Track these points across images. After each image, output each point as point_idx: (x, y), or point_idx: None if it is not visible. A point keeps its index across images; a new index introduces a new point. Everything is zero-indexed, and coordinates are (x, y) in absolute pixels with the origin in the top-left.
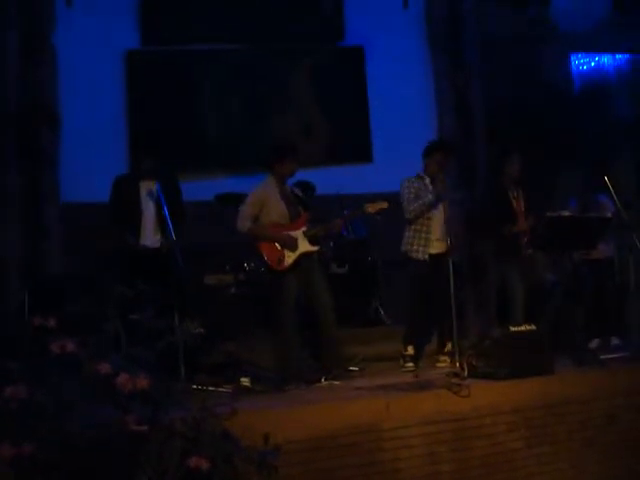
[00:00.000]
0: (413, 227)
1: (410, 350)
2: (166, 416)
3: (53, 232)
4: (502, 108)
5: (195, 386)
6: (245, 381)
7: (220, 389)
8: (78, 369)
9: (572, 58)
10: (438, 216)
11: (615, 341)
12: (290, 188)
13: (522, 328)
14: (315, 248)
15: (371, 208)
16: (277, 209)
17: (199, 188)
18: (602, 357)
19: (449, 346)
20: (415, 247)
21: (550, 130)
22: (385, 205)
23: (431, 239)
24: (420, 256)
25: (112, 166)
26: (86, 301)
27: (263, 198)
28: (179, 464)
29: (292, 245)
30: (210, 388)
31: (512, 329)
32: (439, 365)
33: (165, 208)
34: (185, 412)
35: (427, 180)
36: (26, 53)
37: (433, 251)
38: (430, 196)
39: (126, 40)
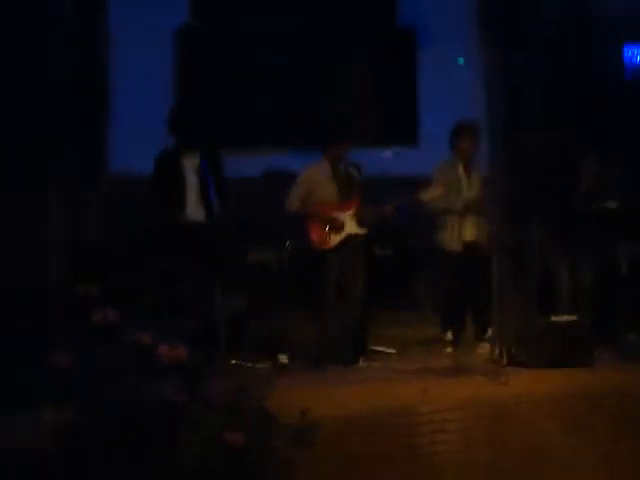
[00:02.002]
0: (444, 216)
1: (449, 335)
2: (205, 389)
3: (99, 203)
4: (556, 97)
5: (234, 361)
6: (283, 358)
7: (258, 365)
8: (119, 338)
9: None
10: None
11: None
12: (345, 169)
13: (564, 318)
14: (362, 231)
15: (425, 196)
16: (327, 190)
17: (247, 164)
18: None
19: (490, 332)
20: (447, 237)
21: (600, 122)
22: (441, 191)
23: (465, 227)
24: (452, 247)
25: (159, 140)
26: (129, 272)
27: (313, 178)
28: (216, 437)
29: (339, 226)
30: (249, 364)
31: (553, 319)
32: (479, 351)
33: (210, 182)
34: (223, 386)
35: (460, 168)
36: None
37: (467, 239)
38: (459, 205)
39: (176, 17)
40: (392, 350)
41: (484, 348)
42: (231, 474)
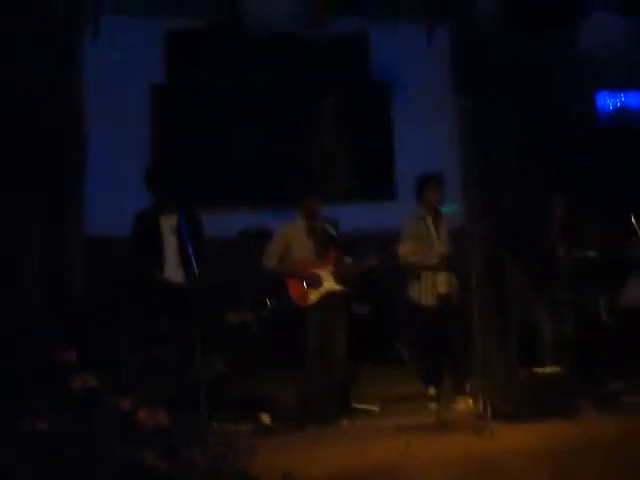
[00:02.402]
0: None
1: (431, 390)
2: (186, 452)
3: (76, 265)
4: (525, 143)
5: (215, 423)
6: (266, 418)
7: (240, 426)
8: (99, 404)
9: (598, 96)
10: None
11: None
12: (321, 225)
13: (547, 370)
14: (341, 287)
15: (403, 250)
16: (303, 246)
17: (223, 223)
18: (625, 399)
19: (469, 385)
20: (421, 291)
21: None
22: (419, 246)
23: (438, 281)
24: (427, 301)
25: (135, 200)
26: (108, 334)
27: (289, 235)
28: None
29: (317, 283)
30: (230, 426)
31: (536, 370)
32: (460, 405)
33: (188, 242)
34: (205, 448)
35: (428, 221)
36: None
37: (441, 292)
38: (433, 259)
39: (152, 74)
40: (375, 407)
41: (465, 402)
42: None
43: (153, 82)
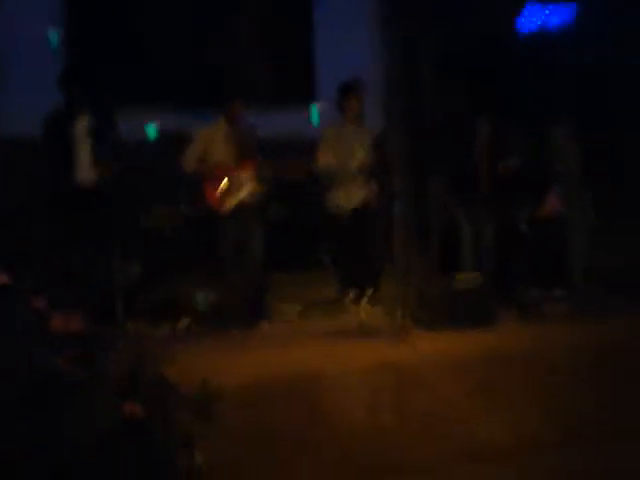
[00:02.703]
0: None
1: (350, 295)
2: (101, 360)
3: None
4: (449, 57)
5: (133, 328)
6: (183, 322)
7: (158, 331)
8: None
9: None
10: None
11: (559, 292)
12: (246, 130)
13: (467, 276)
14: (258, 191)
15: (318, 163)
16: (224, 150)
17: (141, 125)
18: (544, 308)
19: (369, 292)
20: (339, 199)
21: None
22: (331, 158)
23: (356, 188)
24: (345, 208)
25: (48, 98)
26: (21, 239)
27: (209, 138)
28: (114, 410)
29: (235, 188)
30: (148, 330)
31: (457, 277)
32: (358, 311)
33: (102, 144)
34: (121, 356)
35: (349, 128)
36: None
37: (359, 199)
38: (352, 167)
39: None
40: (294, 310)
41: (366, 309)
42: (130, 446)
43: None
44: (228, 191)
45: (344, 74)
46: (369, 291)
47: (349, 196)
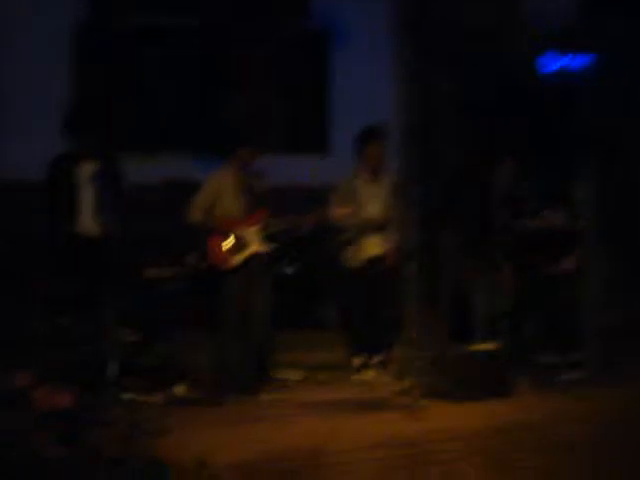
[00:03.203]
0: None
1: (357, 361)
2: (90, 435)
3: None
4: (468, 103)
5: (125, 394)
6: (180, 389)
7: (153, 398)
8: None
9: (541, 58)
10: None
11: (574, 356)
12: (250, 180)
13: (481, 346)
14: (266, 248)
15: (331, 215)
16: (232, 202)
17: (146, 171)
18: (561, 377)
19: (377, 358)
20: (348, 254)
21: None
22: (346, 211)
23: (367, 243)
24: (354, 264)
25: (51, 143)
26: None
27: (217, 188)
28: None
29: (242, 243)
30: (141, 397)
31: (470, 346)
32: (365, 378)
33: (105, 192)
34: (112, 429)
35: (364, 178)
36: None
37: (369, 255)
38: (363, 222)
39: (73, 12)
40: (297, 377)
41: (370, 375)
42: None
43: (76, 19)
44: (234, 248)
45: (359, 121)
46: (377, 357)
47: (362, 252)
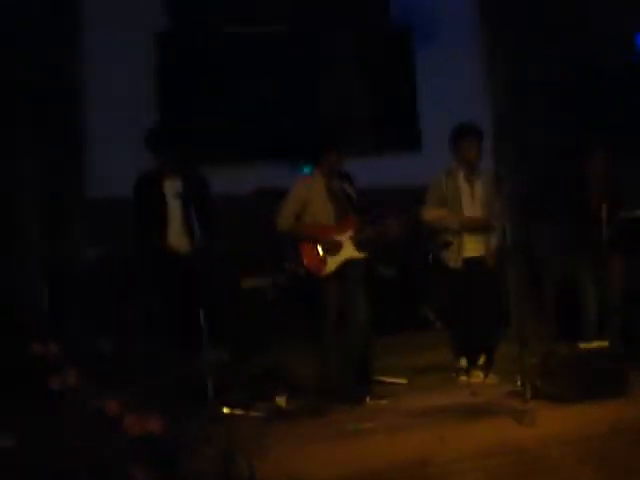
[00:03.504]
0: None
1: (462, 362)
2: (184, 462)
3: (75, 227)
4: (559, 91)
5: (224, 409)
6: (280, 401)
7: (252, 412)
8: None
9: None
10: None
11: None
12: (340, 184)
13: (592, 344)
14: (361, 255)
15: (425, 216)
16: (322, 208)
17: (236, 181)
18: None
19: (483, 359)
20: (449, 255)
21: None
22: (441, 212)
23: (466, 243)
24: (452, 264)
25: (135, 158)
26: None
27: (307, 194)
28: None
29: (335, 250)
30: (240, 412)
31: (581, 345)
32: (471, 380)
33: (191, 208)
34: (206, 454)
35: (461, 176)
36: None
37: (469, 255)
38: (455, 224)
39: (156, 22)
40: (402, 380)
41: (477, 377)
42: None
43: (157, 30)
44: (326, 255)
45: (449, 119)
46: (483, 358)
47: (462, 252)
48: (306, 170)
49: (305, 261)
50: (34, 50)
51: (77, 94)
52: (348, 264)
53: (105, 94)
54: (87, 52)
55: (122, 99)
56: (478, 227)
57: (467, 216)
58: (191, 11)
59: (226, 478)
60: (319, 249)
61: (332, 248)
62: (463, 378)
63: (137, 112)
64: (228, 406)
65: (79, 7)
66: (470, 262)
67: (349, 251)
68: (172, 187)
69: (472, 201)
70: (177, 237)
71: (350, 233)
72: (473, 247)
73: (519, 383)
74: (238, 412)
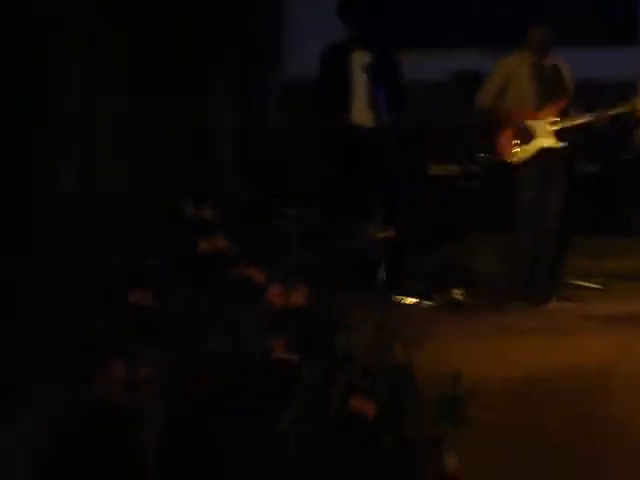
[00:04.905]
0: None
1: None
2: (326, 342)
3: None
4: None
5: (394, 296)
6: (457, 293)
7: (425, 302)
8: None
9: None
10: None
11: None
12: (552, 64)
13: None
14: (559, 144)
15: None
16: (524, 89)
17: (432, 65)
18: None
19: None
20: None
21: None
22: None
23: None
24: None
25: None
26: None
27: (510, 71)
28: (339, 403)
29: (528, 138)
30: (412, 301)
31: None
32: None
33: (378, 85)
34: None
35: None
36: None
37: None
38: None
39: None
40: (597, 285)
41: None
42: (352, 458)
43: None
44: (521, 140)
45: None
46: None
47: None
48: None
49: (499, 145)
50: None
51: None
52: (548, 153)
53: None
54: None
55: None
56: None
57: None
58: None
59: (376, 361)
60: (512, 135)
61: (524, 134)
62: None
63: None
64: (401, 293)
65: None
66: None
67: (545, 139)
68: (360, 59)
69: None
70: (361, 111)
71: (552, 119)
72: None
73: None
74: (410, 301)
